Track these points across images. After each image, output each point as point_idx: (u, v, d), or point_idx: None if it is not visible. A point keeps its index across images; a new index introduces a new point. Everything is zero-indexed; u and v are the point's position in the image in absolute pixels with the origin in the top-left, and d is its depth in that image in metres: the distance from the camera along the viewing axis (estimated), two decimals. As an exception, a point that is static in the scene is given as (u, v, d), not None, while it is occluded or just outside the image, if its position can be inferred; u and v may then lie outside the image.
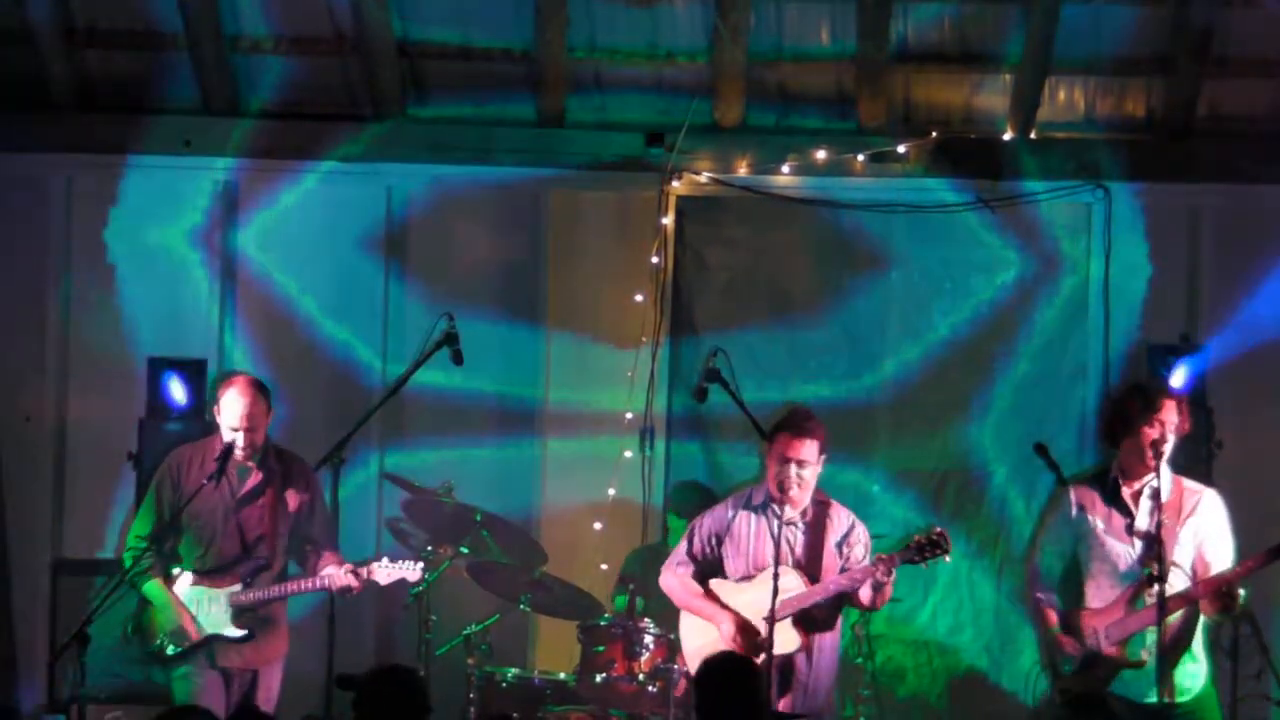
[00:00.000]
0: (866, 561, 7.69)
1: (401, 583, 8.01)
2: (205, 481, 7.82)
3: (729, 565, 7.80)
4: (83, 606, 8.61)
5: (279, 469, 7.98)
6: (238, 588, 7.86)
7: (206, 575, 7.87)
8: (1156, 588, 7.26)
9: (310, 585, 7.92)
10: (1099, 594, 7.50)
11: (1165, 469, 7.47)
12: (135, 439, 9.64)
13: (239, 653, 7.87)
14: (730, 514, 7.84)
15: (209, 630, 7.84)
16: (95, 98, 10.18)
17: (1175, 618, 7.38)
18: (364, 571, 7.87)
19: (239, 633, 7.84)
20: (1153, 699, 7.32)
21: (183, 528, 7.91)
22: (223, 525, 7.90)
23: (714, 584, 7.80)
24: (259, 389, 7.93)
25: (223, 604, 7.84)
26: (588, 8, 9.84)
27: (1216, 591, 7.30)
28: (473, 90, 10.15)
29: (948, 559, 7.58)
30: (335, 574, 7.84)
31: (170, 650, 7.82)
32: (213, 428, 8.14)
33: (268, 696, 7.93)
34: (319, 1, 9.91)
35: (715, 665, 6.54)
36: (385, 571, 7.91)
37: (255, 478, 7.94)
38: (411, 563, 7.98)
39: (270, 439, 8.04)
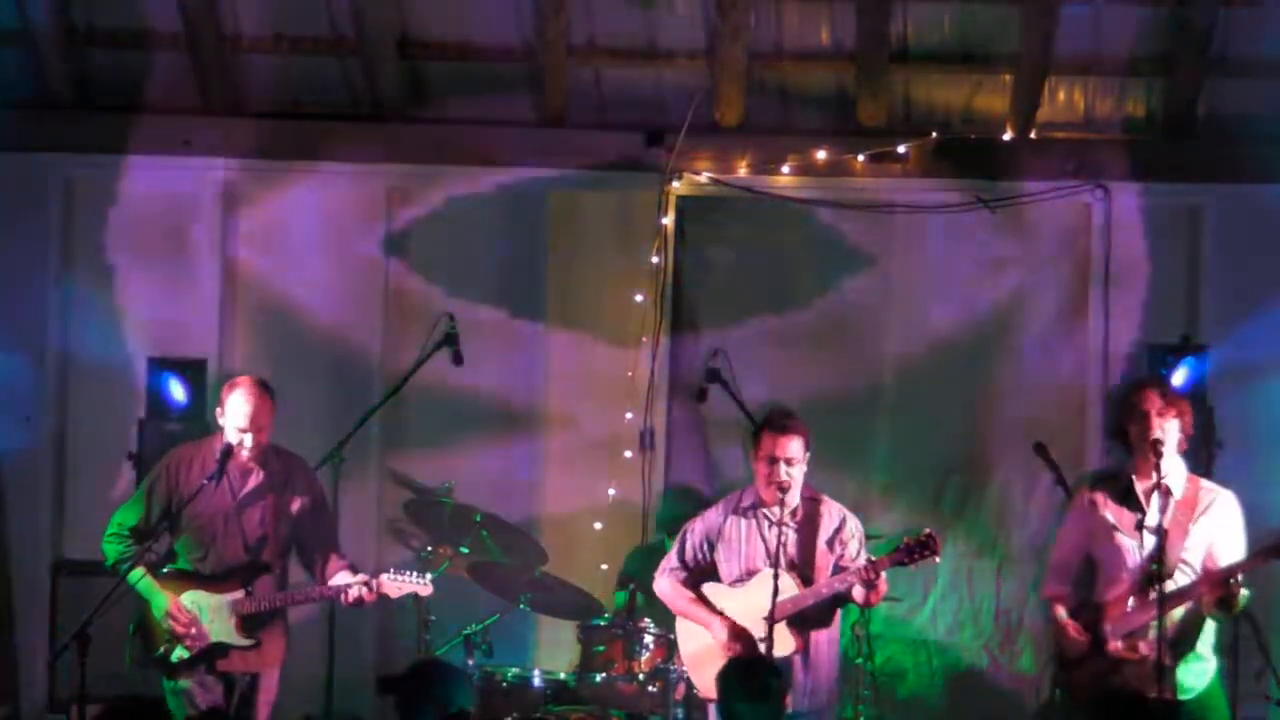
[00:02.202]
0: (861, 556, 7.69)
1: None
2: (205, 482, 7.79)
3: (722, 569, 7.80)
4: (83, 606, 8.60)
5: (280, 469, 7.95)
6: (240, 594, 7.82)
7: (207, 580, 7.84)
8: (1159, 582, 7.28)
9: (320, 594, 7.87)
10: (1113, 590, 7.51)
11: (1180, 467, 7.51)
12: (135, 439, 9.65)
13: (242, 658, 7.84)
14: (721, 518, 7.83)
15: (215, 639, 7.80)
16: (95, 98, 10.19)
17: (1180, 614, 7.38)
18: (374, 583, 7.83)
19: (247, 642, 7.81)
20: (1165, 694, 7.31)
21: (181, 528, 7.88)
22: (224, 527, 7.86)
23: (707, 588, 7.79)
24: (265, 390, 7.90)
25: (227, 612, 7.81)
26: (588, 7, 9.84)
27: (1215, 583, 7.30)
28: (473, 90, 10.15)
29: (938, 560, 7.59)
30: (349, 586, 7.77)
31: (174, 657, 7.79)
32: (213, 428, 8.12)
33: (267, 699, 7.91)
34: (319, 1, 9.91)
35: (738, 668, 6.59)
36: (395, 584, 7.85)
37: (256, 479, 7.90)
38: (419, 575, 7.91)
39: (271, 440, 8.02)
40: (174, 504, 7.85)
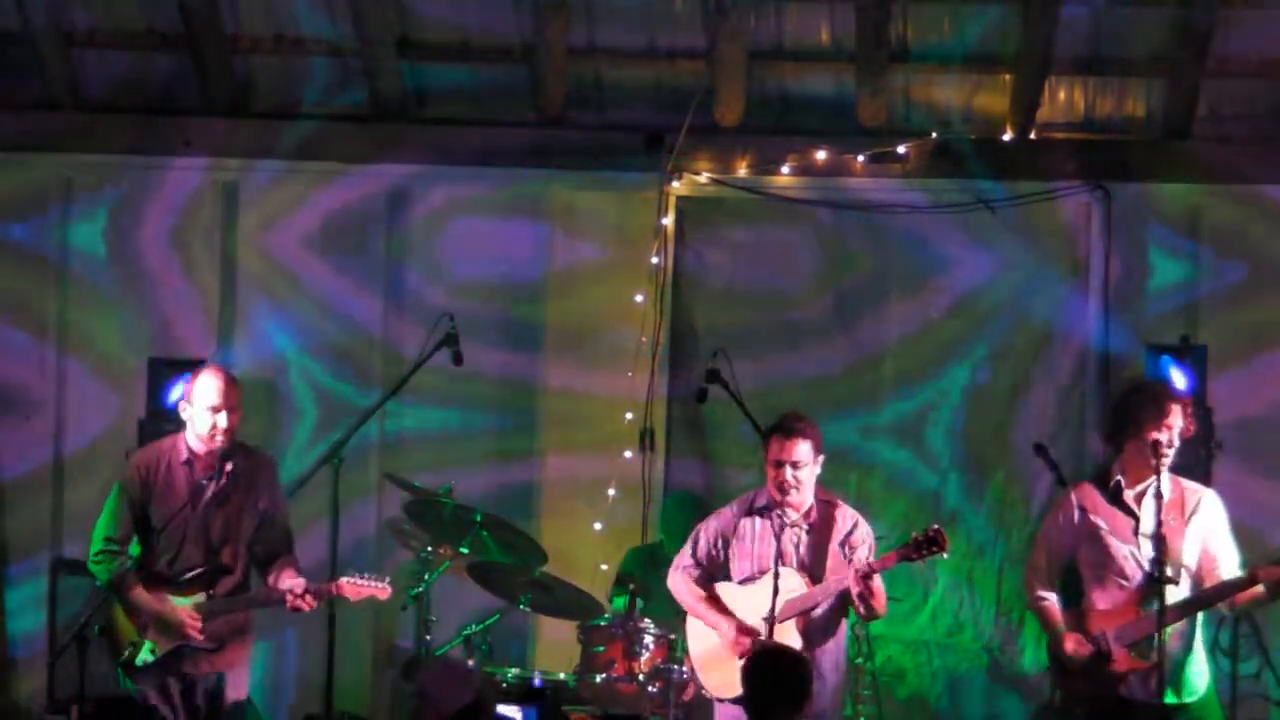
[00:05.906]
0: (871, 560, 7.69)
1: (400, 584, 7.96)
2: (205, 482, 7.75)
3: (734, 568, 7.79)
4: (82, 607, 8.60)
5: (246, 467, 7.87)
6: (202, 597, 7.75)
7: (171, 584, 7.78)
8: (1168, 589, 7.25)
9: (272, 597, 7.78)
10: (1104, 596, 7.47)
11: (1165, 470, 7.47)
12: (135, 439, 9.65)
13: (208, 660, 7.79)
14: (735, 517, 7.83)
15: (179, 641, 7.77)
16: (95, 98, 10.19)
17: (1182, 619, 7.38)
18: (331, 588, 7.75)
19: (210, 645, 7.75)
20: (1170, 699, 7.30)
21: (153, 532, 7.81)
22: (191, 530, 7.78)
23: (719, 586, 7.80)
24: (230, 374, 7.87)
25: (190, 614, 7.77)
26: (588, 8, 9.84)
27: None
28: (473, 90, 10.15)
29: (945, 555, 7.55)
30: (294, 595, 7.69)
31: (139, 661, 7.75)
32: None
33: (236, 696, 7.86)
34: (319, 1, 9.91)
35: (765, 658, 6.61)
36: (354, 587, 7.78)
37: (223, 480, 7.80)
38: (380, 580, 7.83)
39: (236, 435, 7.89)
40: (146, 509, 7.80)
